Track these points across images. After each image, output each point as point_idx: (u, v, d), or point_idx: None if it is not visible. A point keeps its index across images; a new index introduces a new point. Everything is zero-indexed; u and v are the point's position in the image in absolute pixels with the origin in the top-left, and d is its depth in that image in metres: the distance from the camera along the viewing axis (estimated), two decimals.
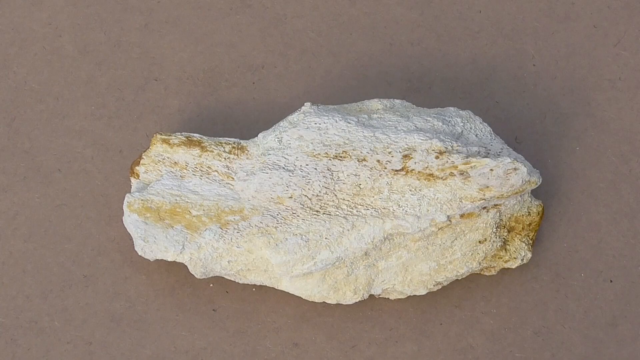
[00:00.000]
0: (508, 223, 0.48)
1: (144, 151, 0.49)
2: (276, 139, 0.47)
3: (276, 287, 0.48)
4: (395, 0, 0.57)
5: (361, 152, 0.46)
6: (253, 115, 0.54)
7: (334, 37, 0.56)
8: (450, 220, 0.46)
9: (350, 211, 0.46)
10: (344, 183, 0.46)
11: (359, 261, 0.46)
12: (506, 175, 0.46)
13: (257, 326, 0.49)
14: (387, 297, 0.48)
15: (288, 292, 0.49)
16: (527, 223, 0.48)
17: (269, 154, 0.47)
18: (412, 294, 0.48)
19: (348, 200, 0.46)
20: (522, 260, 0.49)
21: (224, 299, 0.49)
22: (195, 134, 0.49)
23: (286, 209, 0.46)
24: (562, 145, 0.53)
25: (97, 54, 0.55)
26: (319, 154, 0.47)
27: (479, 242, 0.47)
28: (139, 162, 0.48)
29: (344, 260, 0.46)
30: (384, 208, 0.46)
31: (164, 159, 0.48)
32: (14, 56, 0.55)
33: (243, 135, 0.53)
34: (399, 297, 0.48)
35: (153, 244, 0.47)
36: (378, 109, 0.49)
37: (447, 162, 0.46)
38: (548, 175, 0.52)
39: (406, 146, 0.46)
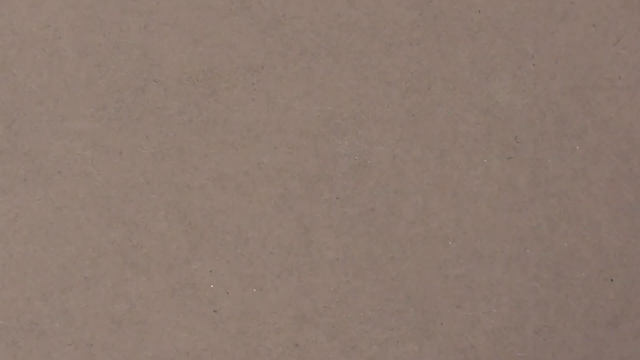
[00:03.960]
0: None
1: None
2: None
3: None
4: (394, 1, 0.57)
5: None
6: (253, 116, 0.54)
7: (333, 38, 0.56)
8: None
9: None
10: None
11: None
12: None
13: (258, 327, 0.49)
14: None
15: (289, 294, 0.49)
16: None
17: None
18: None
19: None
20: None
21: (224, 300, 0.49)
22: None
23: None
24: (562, 145, 0.53)
25: (96, 56, 0.55)
26: None
27: None
28: None
29: None
30: None
31: None
32: (13, 58, 0.55)
33: (243, 136, 0.53)
34: None
35: None
36: None
37: None
38: (548, 174, 0.52)
39: None
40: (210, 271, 0.50)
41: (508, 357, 0.49)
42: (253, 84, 0.55)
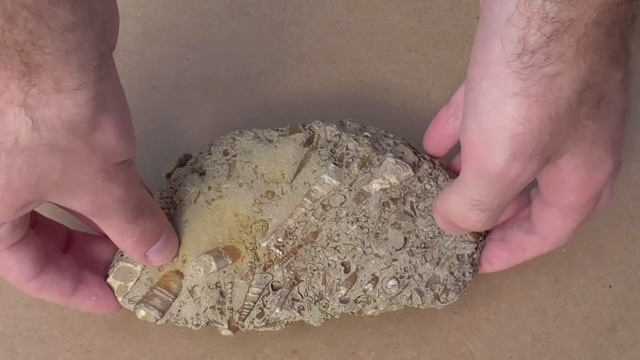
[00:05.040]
0: None
1: None
2: None
3: None
4: (392, 7, 0.58)
5: None
6: (251, 123, 0.54)
7: (331, 44, 0.57)
8: None
9: None
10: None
11: None
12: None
13: (257, 333, 0.49)
14: None
15: None
16: None
17: None
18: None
19: None
20: None
21: None
22: None
23: None
24: None
25: None
26: None
27: None
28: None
29: None
30: None
31: None
32: None
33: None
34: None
35: None
36: None
37: None
38: None
39: None
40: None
41: None
42: (251, 90, 0.55)
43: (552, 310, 0.50)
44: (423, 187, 0.48)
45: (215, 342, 0.49)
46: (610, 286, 0.50)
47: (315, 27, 0.57)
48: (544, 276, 0.50)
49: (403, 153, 0.48)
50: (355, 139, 0.48)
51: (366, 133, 0.49)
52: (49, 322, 0.49)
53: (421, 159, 0.48)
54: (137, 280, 0.46)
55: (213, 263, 0.45)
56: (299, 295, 0.45)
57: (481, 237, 0.47)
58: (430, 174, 0.48)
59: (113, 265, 0.46)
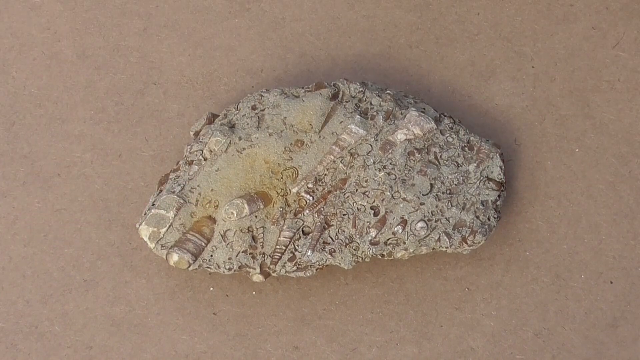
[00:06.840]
0: None
1: None
2: None
3: None
4: (393, 3, 0.57)
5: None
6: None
7: (332, 41, 0.57)
8: None
9: None
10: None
11: None
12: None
13: (258, 329, 0.49)
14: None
15: (288, 296, 0.49)
16: None
17: None
18: None
19: None
20: None
21: (224, 303, 0.49)
22: None
23: None
24: (561, 147, 0.53)
25: (96, 59, 0.55)
26: None
27: None
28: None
29: None
30: None
31: None
32: (13, 61, 0.55)
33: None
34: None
35: None
36: None
37: None
38: (547, 176, 0.52)
39: None
40: (209, 274, 0.50)
41: (507, 359, 0.49)
42: (252, 86, 0.55)
43: (553, 306, 0.50)
44: (445, 140, 0.49)
45: (216, 339, 0.49)
46: (611, 282, 0.50)
47: (316, 24, 0.57)
48: (544, 272, 0.50)
49: (424, 109, 0.50)
50: (378, 96, 0.50)
51: (388, 91, 0.51)
52: (50, 318, 0.49)
53: (442, 115, 0.50)
54: (170, 226, 0.47)
55: (245, 206, 0.47)
56: (330, 239, 0.47)
57: (503, 187, 0.49)
58: (452, 128, 0.50)
59: (145, 213, 0.47)
